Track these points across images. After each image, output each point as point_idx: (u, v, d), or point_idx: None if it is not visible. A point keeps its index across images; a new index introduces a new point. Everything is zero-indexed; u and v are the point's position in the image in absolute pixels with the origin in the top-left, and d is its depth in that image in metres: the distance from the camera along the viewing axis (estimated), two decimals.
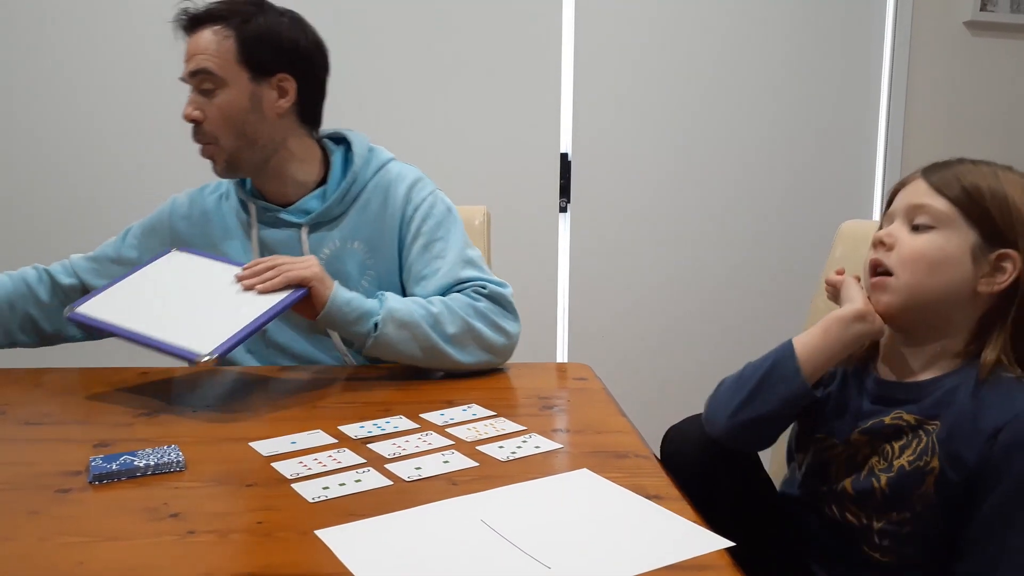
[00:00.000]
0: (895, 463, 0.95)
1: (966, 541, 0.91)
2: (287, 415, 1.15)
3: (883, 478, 0.95)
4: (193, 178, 1.50)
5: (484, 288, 1.32)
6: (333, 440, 1.02)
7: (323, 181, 1.41)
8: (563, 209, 2.60)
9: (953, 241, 0.93)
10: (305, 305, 1.22)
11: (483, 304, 1.30)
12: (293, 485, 0.89)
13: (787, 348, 0.98)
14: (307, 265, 1.22)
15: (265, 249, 1.39)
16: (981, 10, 2.64)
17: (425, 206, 1.39)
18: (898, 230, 0.96)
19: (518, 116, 2.52)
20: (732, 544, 0.75)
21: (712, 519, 0.82)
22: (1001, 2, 2.65)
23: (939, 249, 0.93)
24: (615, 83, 2.58)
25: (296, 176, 1.39)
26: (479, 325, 1.28)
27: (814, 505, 1.03)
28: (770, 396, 0.96)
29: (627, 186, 2.62)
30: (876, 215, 2.71)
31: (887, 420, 0.96)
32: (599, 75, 2.56)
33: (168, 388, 1.25)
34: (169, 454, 0.95)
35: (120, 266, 1.41)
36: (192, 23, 1.34)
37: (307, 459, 0.96)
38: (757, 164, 2.68)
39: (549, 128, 2.56)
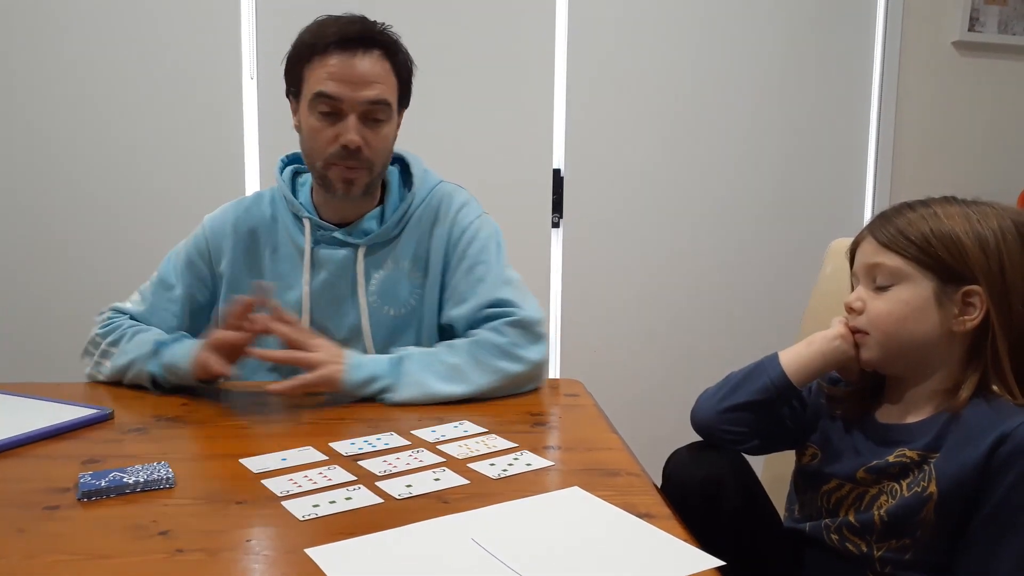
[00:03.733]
0: (899, 496, 0.96)
1: (964, 542, 0.92)
2: (278, 432, 1.14)
3: (884, 507, 0.96)
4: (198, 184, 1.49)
5: (512, 315, 1.31)
6: (324, 457, 1.02)
7: (379, 200, 1.41)
8: (556, 224, 2.61)
9: (914, 293, 0.96)
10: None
11: (507, 339, 1.29)
12: (283, 503, 0.88)
13: (771, 354, 1.05)
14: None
15: (320, 268, 1.37)
16: (969, 30, 2.67)
17: (472, 229, 1.40)
18: (863, 293, 1.01)
19: (511, 132, 2.53)
20: (723, 563, 0.75)
21: (713, 544, 0.82)
22: (989, 23, 2.68)
23: (904, 304, 0.96)
24: (608, 99, 2.59)
25: (363, 197, 1.38)
26: (503, 363, 1.28)
27: (817, 535, 1.03)
28: (752, 386, 1.03)
29: (620, 202, 2.63)
30: None
31: (891, 459, 0.97)
32: (592, 91, 2.58)
33: (158, 404, 1.25)
34: (159, 471, 0.95)
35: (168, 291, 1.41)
36: (367, 43, 1.29)
37: (297, 476, 0.96)
38: (748, 182, 2.69)
39: (542, 144, 2.57)
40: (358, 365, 1.25)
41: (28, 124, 2.35)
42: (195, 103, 2.39)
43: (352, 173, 1.31)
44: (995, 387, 0.95)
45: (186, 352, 1.26)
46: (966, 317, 0.95)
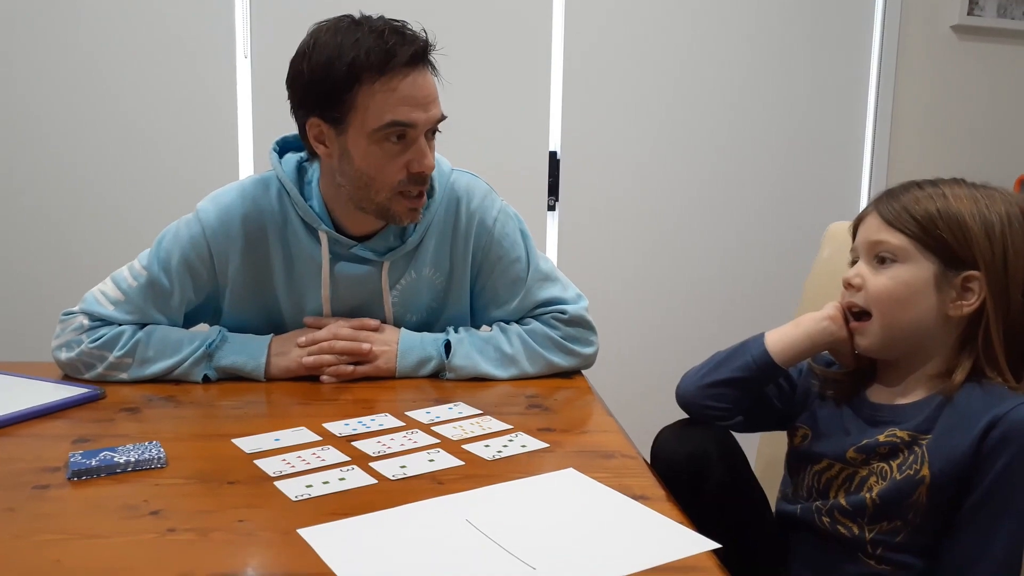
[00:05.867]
0: (891, 478, 0.95)
1: (954, 526, 0.92)
2: (271, 412, 1.14)
3: (875, 489, 0.96)
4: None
5: (564, 313, 1.32)
6: (317, 438, 1.01)
7: None
8: (551, 208, 2.59)
9: (915, 274, 0.95)
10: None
11: (561, 332, 1.31)
12: (276, 483, 0.88)
13: (758, 334, 1.05)
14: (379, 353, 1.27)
15: (340, 285, 1.29)
16: (968, 14, 2.65)
17: (499, 226, 1.34)
18: (862, 269, 0.99)
19: (507, 114, 2.51)
20: (719, 546, 0.74)
21: (699, 521, 0.82)
22: (988, 6, 2.66)
23: (904, 285, 0.95)
24: (604, 81, 2.57)
25: None
26: (556, 359, 1.31)
27: (808, 518, 1.02)
28: (735, 364, 1.04)
29: (616, 185, 2.62)
30: None
31: (881, 438, 0.97)
32: (588, 73, 2.55)
33: (151, 383, 1.23)
34: (150, 450, 0.94)
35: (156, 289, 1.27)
36: (424, 57, 1.18)
37: (290, 457, 0.95)
38: (745, 165, 2.68)
39: (538, 126, 2.55)
40: (409, 351, 1.28)
41: (13, 102, 2.32)
42: (188, 83, 2.36)
43: (418, 202, 1.23)
44: (989, 373, 0.94)
45: (250, 353, 1.25)
46: (963, 302, 0.94)
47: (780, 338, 1.03)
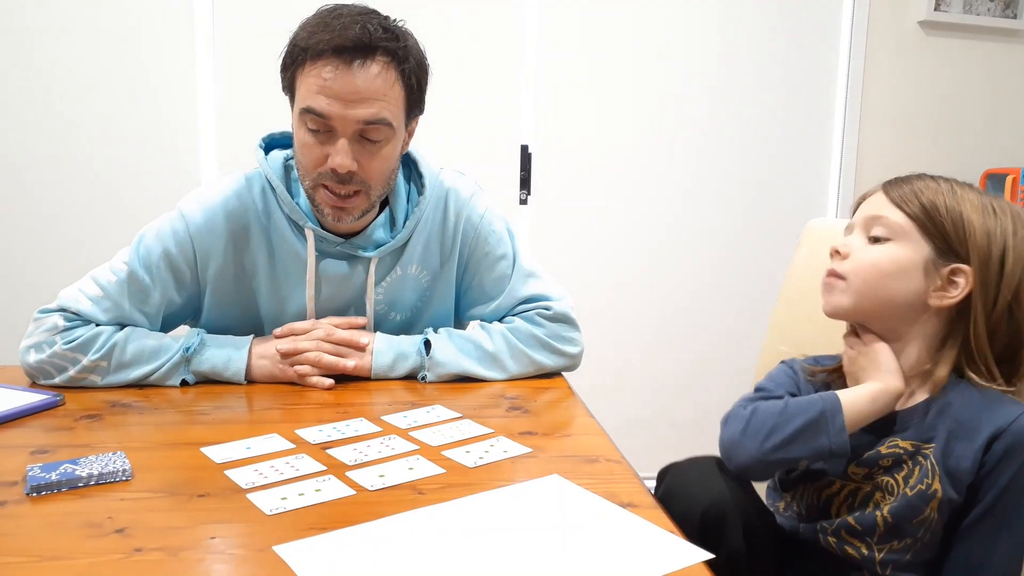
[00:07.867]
0: (900, 493, 0.93)
1: (957, 536, 0.92)
2: (240, 417, 1.09)
3: (886, 508, 0.94)
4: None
5: (548, 310, 1.30)
6: (291, 445, 0.97)
7: (383, 201, 1.28)
8: (523, 202, 2.57)
9: (907, 253, 0.95)
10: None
11: (545, 330, 1.28)
12: (249, 495, 0.84)
13: (835, 402, 0.93)
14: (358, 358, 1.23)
15: (325, 284, 1.26)
16: (935, 10, 2.67)
17: (486, 224, 1.33)
18: (854, 240, 0.98)
19: (478, 107, 2.48)
20: (711, 556, 0.72)
21: (723, 562, 0.78)
22: (954, 2, 2.69)
23: (892, 260, 0.95)
24: (577, 74, 2.55)
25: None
26: (541, 357, 1.28)
27: (811, 537, 1.00)
28: (810, 443, 0.92)
29: (588, 179, 2.60)
30: (831, 214, 2.74)
31: (883, 450, 0.95)
32: (561, 66, 2.53)
33: (113, 389, 1.18)
34: (114, 462, 0.89)
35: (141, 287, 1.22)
36: (367, 51, 1.12)
37: (263, 466, 0.91)
38: (716, 160, 2.68)
39: (509, 119, 2.52)
40: (385, 348, 1.24)
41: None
42: (145, 74, 2.29)
43: (343, 202, 1.18)
44: (971, 372, 0.94)
45: (230, 356, 1.21)
46: (946, 293, 0.94)
47: (857, 416, 0.93)
